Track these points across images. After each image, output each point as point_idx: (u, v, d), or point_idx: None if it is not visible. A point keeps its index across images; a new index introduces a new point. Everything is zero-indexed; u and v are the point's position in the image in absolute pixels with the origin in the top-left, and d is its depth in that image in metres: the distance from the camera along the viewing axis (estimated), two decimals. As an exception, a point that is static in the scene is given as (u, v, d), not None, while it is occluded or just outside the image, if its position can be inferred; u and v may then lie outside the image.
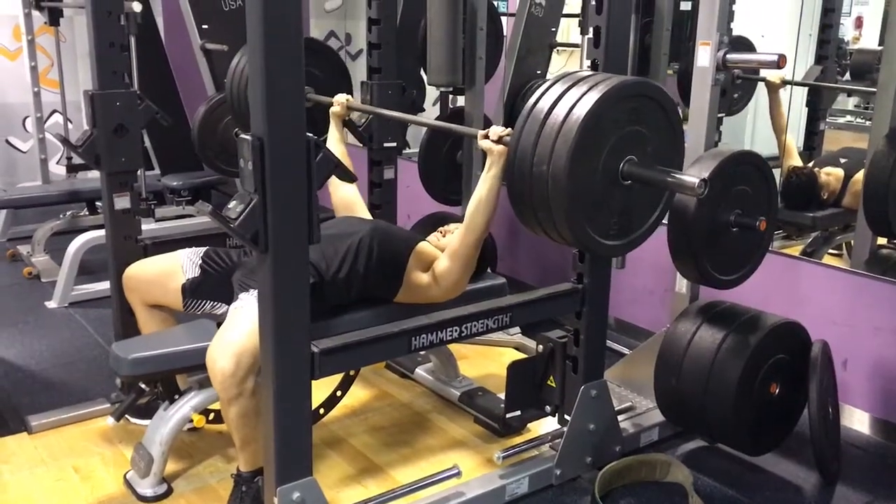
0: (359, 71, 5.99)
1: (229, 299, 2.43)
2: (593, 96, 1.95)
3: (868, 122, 4.14)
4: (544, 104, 2.01)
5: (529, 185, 2.02)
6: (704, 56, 2.65)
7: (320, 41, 3.88)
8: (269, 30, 1.69)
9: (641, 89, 2.05)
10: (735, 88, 3.95)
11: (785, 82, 3.85)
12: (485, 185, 2.35)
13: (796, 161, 3.84)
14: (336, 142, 2.92)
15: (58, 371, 3.34)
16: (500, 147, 2.28)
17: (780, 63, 2.51)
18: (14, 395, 3.09)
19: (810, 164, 3.94)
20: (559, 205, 1.97)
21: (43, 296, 4.17)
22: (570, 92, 2.00)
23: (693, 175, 1.99)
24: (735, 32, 2.74)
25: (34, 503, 2.43)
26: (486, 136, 2.32)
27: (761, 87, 3.95)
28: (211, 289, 2.53)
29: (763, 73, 3.86)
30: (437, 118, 3.82)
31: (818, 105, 4.22)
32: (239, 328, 2.18)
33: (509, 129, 2.30)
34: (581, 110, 1.94)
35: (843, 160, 3.87)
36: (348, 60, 6.10)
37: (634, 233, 2.16)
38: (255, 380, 2.15)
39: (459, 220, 3.08)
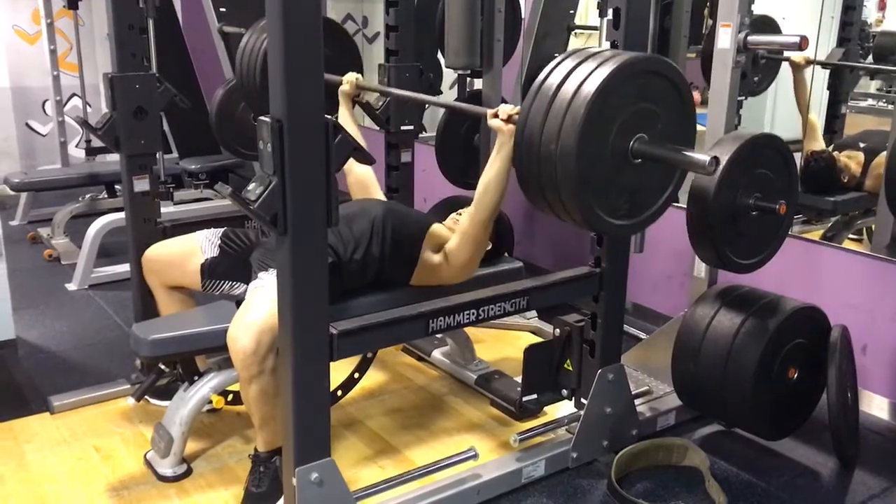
0: (376, 54, 5.99)
1: (247, 279, 2.45)
2: (602, 73, 1.91)
3: (890, 106, 4.09)
4: (552, 81, 1.98)
5: (538, 166, 1.99)
6: (725, 38, 2.63)
7: (331, 19, 3.86)
8: (288, 12, 1.69)
9: (651, 65, 2.01)
10: (758, 69, 3.92)
11: (809, 62, 3.80)
12: (494, 164, 2.34)
13: (819, 143, 3.81)
14: (346, 121, 2.91)
15: (79, 352, 3.38)
16: (510, 126, 2.25)
17: (802, 45, 2.49)
18: (36, 376, 3.13)
19: (830, 148, 3.91)
20: (568, 185, 1.94)
21: (63, 278, 4.21)
22: (578, 68, 1.96)
23: (703, 154, 1.96)
24: (756, 13, 2.71)
25: (56, 482, 2.46)
26: (496, 115, 2.30)
27: (784, 69, 3.91)
28: (229, 268, 2.55)
29: (787, 52, 3.81)
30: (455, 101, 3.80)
31: (840, 88, 4.17)
32: (259, 307, 2.19)
33: (519, 107, 2.25)
34: (590, 87, 1.90)
35: (862, 144, 3.83)
36: (365, 43, 6.09)
37: (645, 212, 2.13)
38: (275, 358, 2.16)
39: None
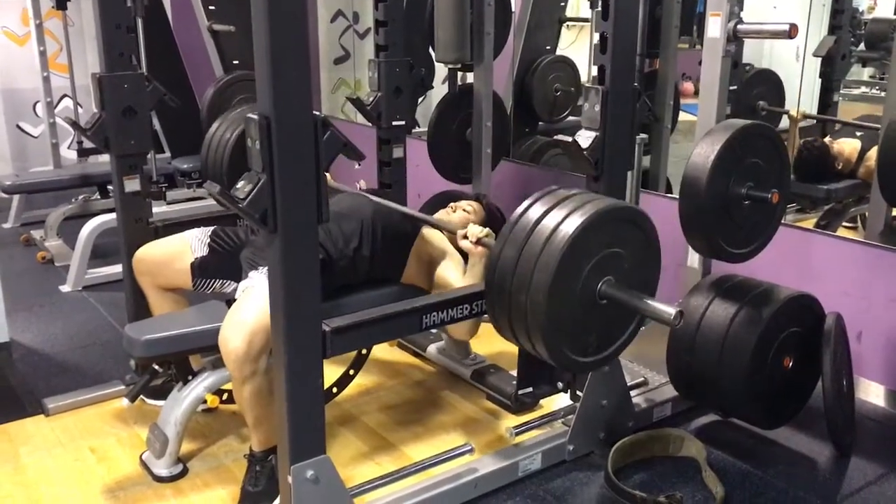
0: (367, 50, 5.98)
1: (238, 277, 2.45)
2: (573, 223, 1.95)
3: (883, 93, 4.09)
4: (523, 226, 2.03)
5: (508, 311, 2.06)
6: (715, 27, 2.62)
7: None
8: (275, 7, 1.68)
9: (620, 214, 2.07)
10: (759, 120, 3.96)
11: (805, 116, 3.87)
12: (468, 283, 2.47)
13: None
14: None
15: (73, 354, 3.37)
16: (480, 249, 2.40)
17: (791, 32, 2.47)
18: (30, 379, 3.13)
19: (826, 138, 3.91)
20: (537, 333, 2.00)
21: (57, 280, 4.20)
22: (550, 215, 2.01)
23: (669, 306, 1.98)
24: (747, 2, 2.70)
25: (52, 484, 2.46)
26: (465, 237, 2.39)
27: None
28: (219, 267, 2.54)
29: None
30: (446, 95, 3.79)
31: (832, 76, 4.17)
32: (250, 307, 2.19)
33: (487, 229, 2.44)
34: (559, 241, 1.95)
35: (859, 133, 3.83)
36: (356, 39, 6.07)
37: (613, 346, 2.18)
38: (268, 358, 2.16)
39: (469, 197, 3.09)
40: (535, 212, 2.05)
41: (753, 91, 4.10)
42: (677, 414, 2.83)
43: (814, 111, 4.29)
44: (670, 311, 1.95)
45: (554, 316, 1.98)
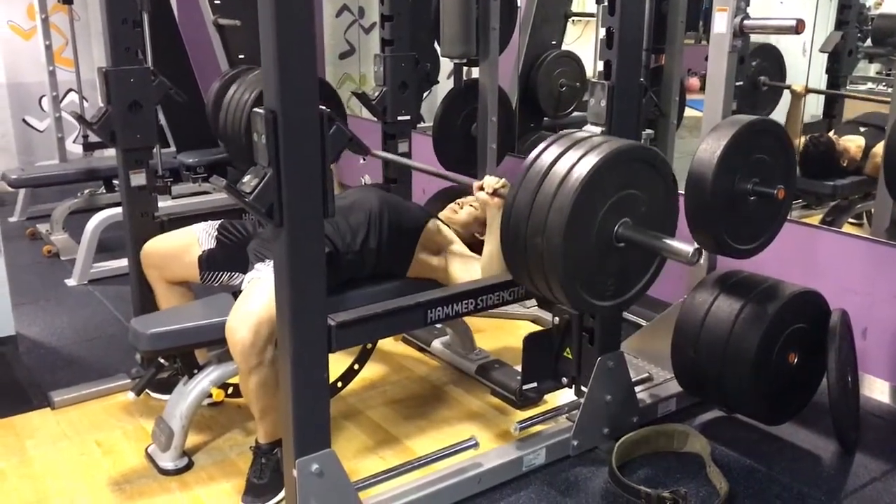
0: (373, 45, 5.97)
1: (245, 269, 2.46)
2: (588, 163, 1.93)
3: (890, 89, 4.08)
4: (538, 169, 2.01)
5: (524, 255, 2.04)
6: (721, 22, 2.61)
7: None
8: (281, 2, 1.68)
9: (637, 155, 2.05)
10: (758, 97, 3.95)
11: (809, 90, 3.85)
12: (491, 240, 2.44)
13: None
14: None
15: (79, 347, 3.38)
16: (497, 200, 2.37)
17: (798, 28, 2.47)
18: (36, 372, 3.14)
19: (830, 133, 3.90)
20: (554, 276, 1.99)
21: (63, 274, 4.21)
22: (564, 157, 1.99)
23: (686, 244, 1.97)
24: (753, -2, 2.70)
25: (58, 477, 2.47)
26: (482, 189, 2.36)
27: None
28: (227, 259, 2.55)
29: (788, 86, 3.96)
30: (452, 90, 3.79)
31: (838, 72, 4.16)
32: (256, 298, 2.20)
33: (503, 180, 2.40)
34: (573, 183, 1.92)
35: (863, 129, 3.82)
36: (362, 34, 6.07)
37: (631, 291, 2.17)
38: (274, 349, 2.16)
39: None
40: (550, 155, 2.02)
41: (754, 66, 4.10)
42: (682, 409, 2.83)
43: (820, 106, 4.28)
44: (688, 248, 1.93)
45: (570, 258, 1.96)
